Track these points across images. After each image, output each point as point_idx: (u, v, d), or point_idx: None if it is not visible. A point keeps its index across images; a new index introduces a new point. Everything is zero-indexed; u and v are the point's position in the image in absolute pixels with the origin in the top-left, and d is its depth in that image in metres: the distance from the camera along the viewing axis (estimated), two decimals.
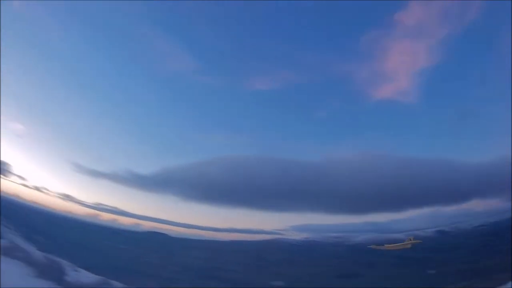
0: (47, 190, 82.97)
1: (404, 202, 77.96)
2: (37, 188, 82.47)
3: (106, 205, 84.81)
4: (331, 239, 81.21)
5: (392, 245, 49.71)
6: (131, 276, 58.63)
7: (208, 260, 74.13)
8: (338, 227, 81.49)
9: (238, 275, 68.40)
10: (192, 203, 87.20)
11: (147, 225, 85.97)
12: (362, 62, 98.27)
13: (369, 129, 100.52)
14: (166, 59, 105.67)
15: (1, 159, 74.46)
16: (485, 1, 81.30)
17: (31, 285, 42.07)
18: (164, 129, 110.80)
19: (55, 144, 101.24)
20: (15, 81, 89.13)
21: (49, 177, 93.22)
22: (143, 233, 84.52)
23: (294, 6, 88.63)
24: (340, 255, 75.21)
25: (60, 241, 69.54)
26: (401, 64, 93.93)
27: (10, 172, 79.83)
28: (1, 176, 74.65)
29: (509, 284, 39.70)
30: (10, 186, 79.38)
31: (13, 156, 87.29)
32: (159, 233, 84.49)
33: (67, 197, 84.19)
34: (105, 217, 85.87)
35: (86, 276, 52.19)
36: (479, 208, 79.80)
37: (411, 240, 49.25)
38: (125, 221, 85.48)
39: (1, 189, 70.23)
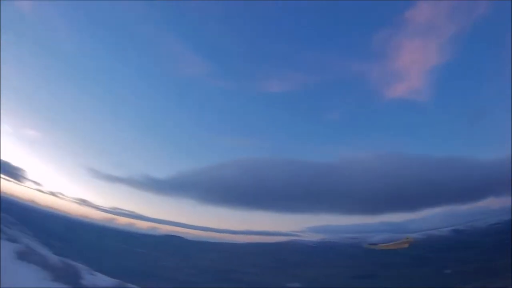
0: (63, 195, 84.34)
1: (419, 202, 77.79)
2: (53, 194, 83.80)
3: (123, 209, 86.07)
4: (347, 240, 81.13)
5: (387, 244, 49.23)
6: (148, 279, 59.13)
7: (224, 263, 74.49)
8: (354, 228, 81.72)
9: (255, 277, 68.37)
10: (208, 206, 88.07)
11: (164, 229, 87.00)
12: (373, 61, 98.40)
13: (382, 128, 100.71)
14: (180, 63, 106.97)
15: (1, 159, 75.30)
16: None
17: None
18: (178, 133, 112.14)
19: (71, 149, 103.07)
20: (31, 87, 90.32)
21: (65, 182, 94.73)
22: (159, 236, 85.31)
23: (304, 8, 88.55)
24: (356, 255, 75.05)
25: (76, 245, 70.39)
26: (412, 63, 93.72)
27: (26, 178, 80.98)
28: (4, 176, 75.52)
29: None
30: (26, 191, 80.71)
31: (29, 162, 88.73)
32: (175, 236, 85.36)
33: (84, 202, 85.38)
34: (122, 221, 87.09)
35: (103, 280, 52.64)
36: (495, 206, 79.31)
37: (407, 239, 48.85)
38: (141, 225, 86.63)
39: (12, 193, 71.56)
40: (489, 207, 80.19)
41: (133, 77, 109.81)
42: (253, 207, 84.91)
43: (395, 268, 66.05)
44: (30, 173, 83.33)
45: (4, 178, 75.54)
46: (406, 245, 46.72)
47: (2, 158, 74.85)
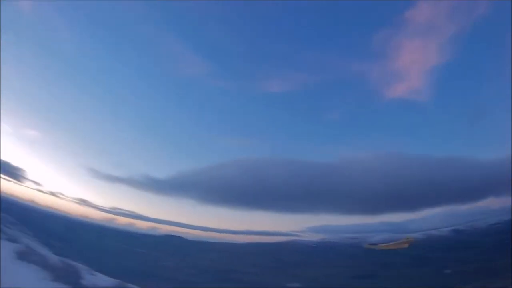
0: (63, 195, 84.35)
1: (419, 202, 77.83)
2: (53, 194, 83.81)
3: (123, 209, 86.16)
4: (347, 240, 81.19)
5: (387, 244, 49.03)
6: (148, 279, 59.09)
7: (224, 263, 74.45)
8: (354, 228, 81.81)
9: (255, 277, 68.34)
10: (208, 206, 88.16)
11: (164, 229, 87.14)
12: (373, 61, 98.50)
13: (382, 128, 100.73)
14: (180, 63, 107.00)
15: (1, 159, 75.34)
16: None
17: None
18: (178, 133, 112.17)
19: (71, 149, 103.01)
20: (31, 87, 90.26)
21: (65, 182, 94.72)
22: (159, 236, 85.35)
23: (304, 8, 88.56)
24: (356, 255, 75.04)
25: (76, 245, 70.35)
26: (412, 63, 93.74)
27: (26, 178, 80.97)
28: (4, 176, 75.53)
29: None
30: (26, 191, 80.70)
31: (29, 162, 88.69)
32: (175, 236, 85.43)
33: (84, 202, 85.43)
34: (122, 221, 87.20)
35: (103, 280, 52.57)
36: (495, 206, 79.38)
37: (407, 239, 48.68)
38: (141, 225, 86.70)
39: (12, 193, 71.58)
40: (489, 207, 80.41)
41: (133, 77, 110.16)
42: (253, 207, 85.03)
43: (395, 268, 66.05)
44: (30, 173, 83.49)
45: (4, 178, 75.67)
46: (406, 245, 46.42)
47: (2, 158, 74.95)
